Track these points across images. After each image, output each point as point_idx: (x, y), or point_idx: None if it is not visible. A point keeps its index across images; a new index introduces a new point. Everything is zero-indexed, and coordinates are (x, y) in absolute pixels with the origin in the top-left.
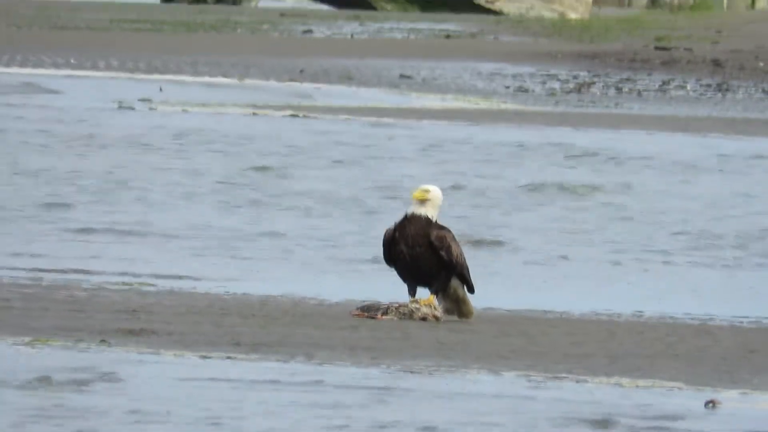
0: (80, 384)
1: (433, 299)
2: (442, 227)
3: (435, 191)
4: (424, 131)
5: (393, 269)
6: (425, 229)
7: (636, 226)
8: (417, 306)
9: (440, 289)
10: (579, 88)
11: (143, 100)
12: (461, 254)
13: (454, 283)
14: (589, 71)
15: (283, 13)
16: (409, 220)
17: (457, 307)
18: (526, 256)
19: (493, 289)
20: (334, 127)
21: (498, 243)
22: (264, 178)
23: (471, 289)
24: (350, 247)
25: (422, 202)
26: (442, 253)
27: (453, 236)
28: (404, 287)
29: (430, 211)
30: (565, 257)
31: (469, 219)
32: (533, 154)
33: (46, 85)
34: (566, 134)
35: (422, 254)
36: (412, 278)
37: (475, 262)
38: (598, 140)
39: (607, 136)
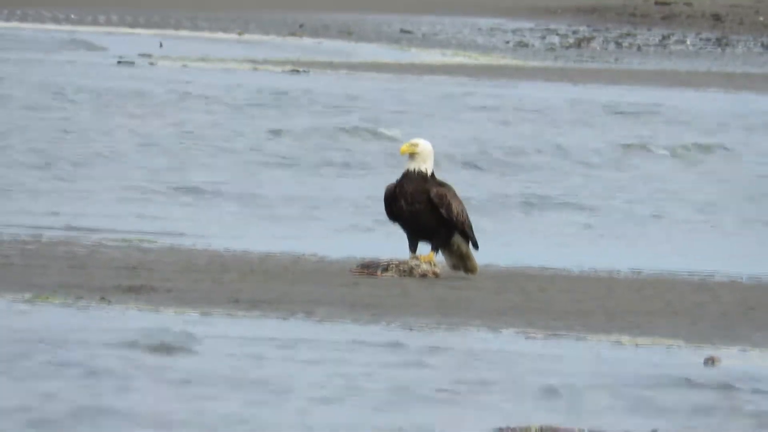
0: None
1: (433, 256)
2: (442, 184)
3: (423, 144)
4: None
5: (397, 224)
6: (423, 186)
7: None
8: (417, 263)
9: (440, 245)
10: (578, 43)
11: (143, 55)
12: (462, 211)
13: (457, 239)
14: (588, 26)
15: None
16: (407, 177)
17: (462, 263)
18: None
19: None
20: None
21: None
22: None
23: (475, 245)
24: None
25: (411, 155)
26: (442, 210)
27: (454, 193)
28: (404, 244)
29: (422, 165)
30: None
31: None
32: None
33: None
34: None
35: (422, 211)
36: (413, 234)
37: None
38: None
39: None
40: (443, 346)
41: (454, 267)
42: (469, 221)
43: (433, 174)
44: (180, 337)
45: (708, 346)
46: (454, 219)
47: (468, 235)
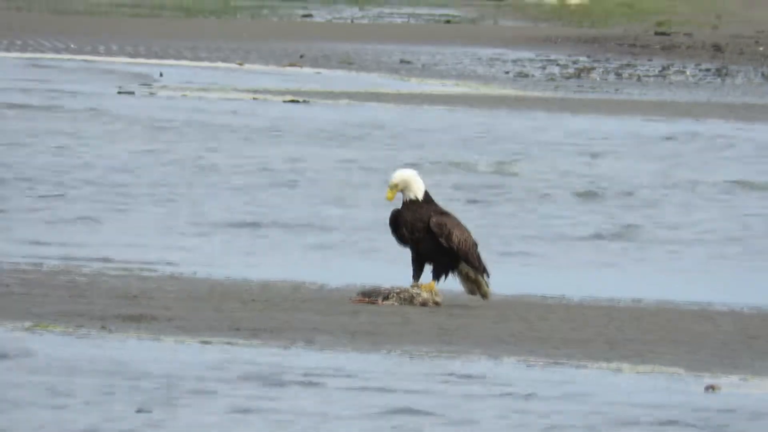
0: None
1: (434, 285)
2: (442, 212)
3: (399, 175)
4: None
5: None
6: (423, 215)
7: None
8: (417, 291)
9: (441, 273)
10: (579, 74)
11: (143, 84)
12: (465, 239)
13: (465, 266)
14: (588, 56)
15: None
16: (406, 206)
17: (477, 288)
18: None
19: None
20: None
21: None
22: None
23: (480, 272)
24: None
25: (401, 191)
26: (442, 240)
27: (456, 221)
28: (406, 271)
29: (410, 194)
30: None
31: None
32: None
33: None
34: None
35: (422, 239)
36: (418, 259)
37: None
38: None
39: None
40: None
41: (471, 292)
42: (474, 249)
43: (429, 199)
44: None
45: (708, 374)
46: (455, 248)
47: (471, 263)
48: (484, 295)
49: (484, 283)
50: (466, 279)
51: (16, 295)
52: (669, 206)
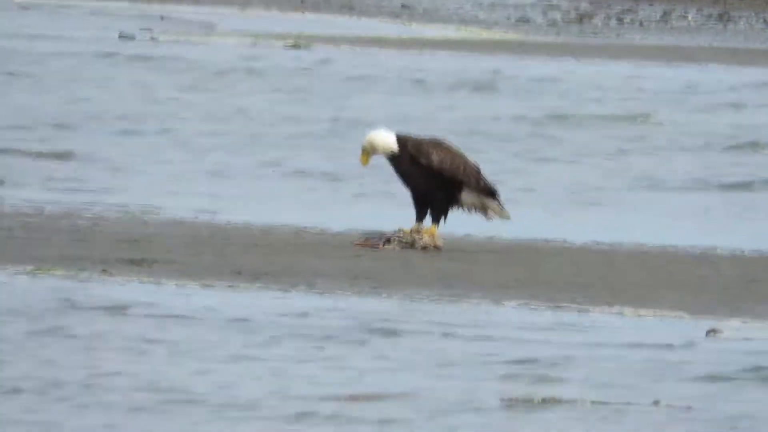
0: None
1: (435, 229)
2: (423, 139)
3: (368, 139)
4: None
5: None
6: (404, 155)
7: None
8: (419, 236)
9: (440, 215)
10: (580, 19)
11: (144, 29)
12: (452, 158)
13: (468, 198)
14: (590, 2)
15: None
16: (392, 161)
17: (492, 213)
18: None
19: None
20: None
21: None
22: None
23: (481, 191)
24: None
25: (376, 153)
26: (422, 160)
27: (439, 143)
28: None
29: (388, 151)
30: None
31: None
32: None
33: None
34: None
35: (409, 171)
36: (416, 200)
37: None
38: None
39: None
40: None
41: (489, 219)
42: (467, 168)
43: (405, 139)
44: None
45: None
46: (436, 166)
47: (466, 182)
48: (503, 217)
49: (496, 205)
50: (475, 209)
51: (18, 238)
52: None
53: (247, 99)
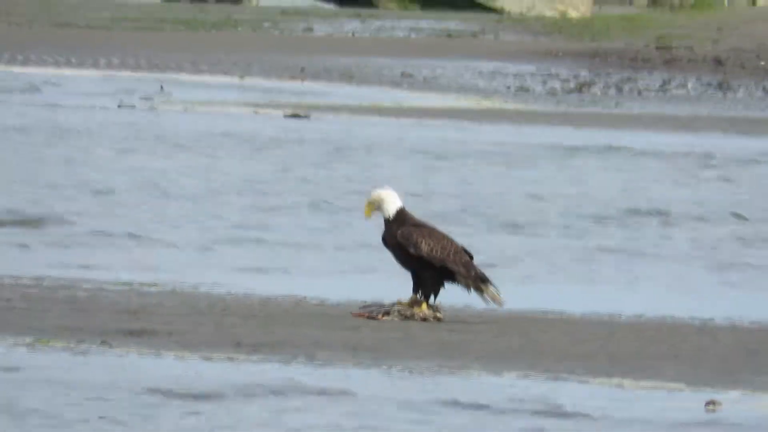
0: None
1: (425, 306)
2: (415, 224)
3: (373, 195)
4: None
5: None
6: (393, 231)
7: None
8: (418, 308)
9: (429, 291)
10: (580, 88)
11: (144, 98)
12: (441, 247)
13: (462, 279)
14: (589, 70)
15: (283, 11)
16: (385, 225)
17: (487, 298)
18: None
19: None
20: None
21: None
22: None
23: (470, 279)
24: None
25: (378, 209)
26: (411, 249)
27: (430, 231)
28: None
29: (384, 213)
30: None
31: None
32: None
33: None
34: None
35: (399, 255)
36: (411, 274)
37: None
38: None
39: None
40: None
41: (485, 302)
42: (456, 256)
43: (402, 216)
44: None
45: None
46: (425, 256)
47: (457, 270)
48: (497, 303)
49: (489, 290)
50: (469, 289)
51: (18, 309)
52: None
53: (243, 167)
